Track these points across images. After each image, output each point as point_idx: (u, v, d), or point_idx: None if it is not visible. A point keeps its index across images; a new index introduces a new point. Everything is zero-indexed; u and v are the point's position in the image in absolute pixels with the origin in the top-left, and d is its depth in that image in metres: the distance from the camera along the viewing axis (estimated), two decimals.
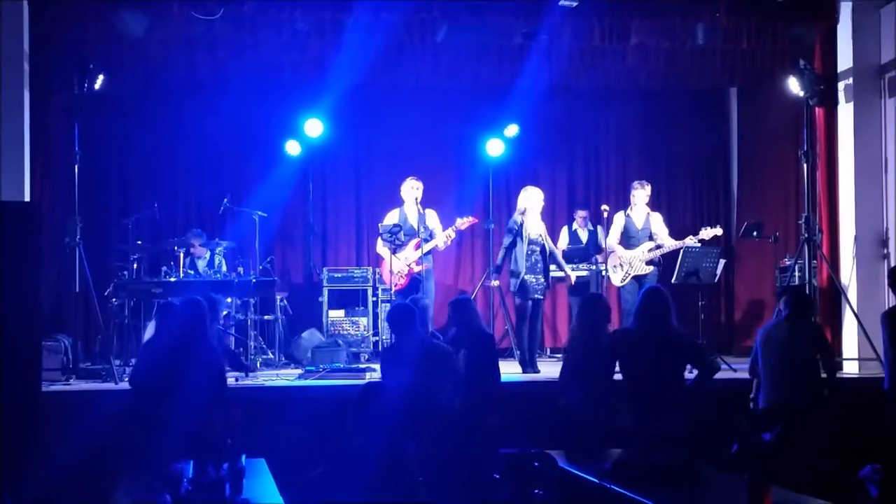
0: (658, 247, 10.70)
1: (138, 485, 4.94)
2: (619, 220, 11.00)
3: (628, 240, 10.87)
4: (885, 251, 10.14)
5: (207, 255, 10.99)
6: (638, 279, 10.60)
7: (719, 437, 7.10)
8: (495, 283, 10.78)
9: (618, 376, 7.25)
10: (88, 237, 9.89)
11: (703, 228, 10.72)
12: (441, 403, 7.17)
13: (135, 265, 10.25)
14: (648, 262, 10.65)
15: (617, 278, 10.82)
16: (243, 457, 4.98)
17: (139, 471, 5.13)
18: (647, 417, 6.70)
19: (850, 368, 9.65)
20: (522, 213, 10.04)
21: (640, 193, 10.95)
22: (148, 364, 6.96)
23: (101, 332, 10.06)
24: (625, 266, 10.71)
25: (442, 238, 10.40)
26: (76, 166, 9.54)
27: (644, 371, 6.88)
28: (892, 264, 9.96)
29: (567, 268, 10.48)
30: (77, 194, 9.56)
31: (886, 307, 9.94)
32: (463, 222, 10.53)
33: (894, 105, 10.11)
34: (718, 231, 10.71)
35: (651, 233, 10.82)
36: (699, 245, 10.52)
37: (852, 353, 9.89)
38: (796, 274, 10.33)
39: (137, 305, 10.30)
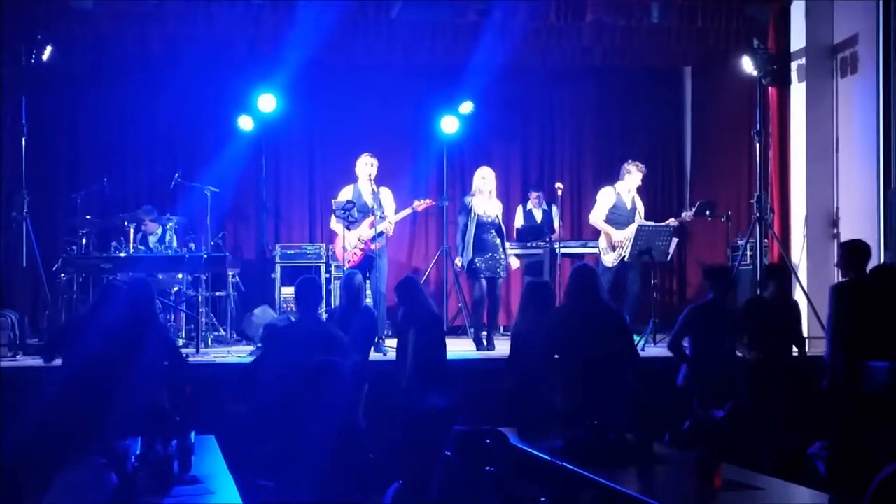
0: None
1: (83, 463, 4.87)
2: (607, 196, 10.58)
3: (616, 218, 10.49)
4: (835, 231, 10.24)
5: (159, 230, 10.85)
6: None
7: (671, 415, 7.16)
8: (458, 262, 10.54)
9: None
10: (36, 212, 9.78)
11: (684, 211, 10.75)
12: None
13: (83, 240, 10.09)
14: None
15: (610, 259, 10.43)
16: (192, 434, 4.92)
17: (84, 449, 5.05)
18: (588, 398, 6.63)
19: None
20: (472, 195, 10.03)
21: (637, 176, 10.59)
22: (89, 342, 6.81)
23: (49, 307, 9.95)
24: (617, 248, 10.43)
25: (392, 223, 10.28)
26: (23, 139, 9.39)
27: (583, 350, 6.71)
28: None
29: (509, 252, 10.32)
30: (24, 168, 9.42)
31: None
32: (420, 204, 10.45)
33: (846, 85, 10.18)
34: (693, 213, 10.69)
35: (637, 212, 10.62)
36: (651, 223, 10.53)
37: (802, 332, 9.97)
38: (748, 253, 10.41)
39: (86, 281, 10.13)
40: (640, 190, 10.79)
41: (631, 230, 10.39)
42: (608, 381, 6.65)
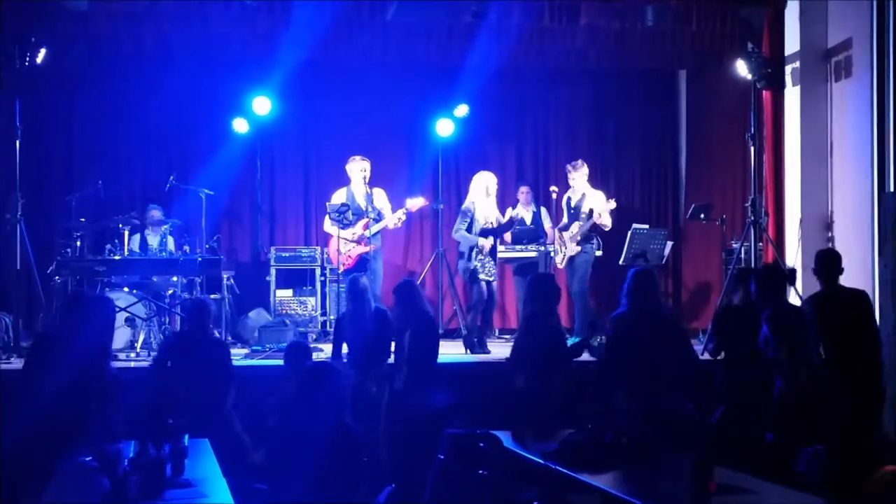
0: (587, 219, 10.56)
1: (74, 467, 4.86)
2: (563, 202, 10.89)
3: (568, 221, 10.72)
4: (829, 234, 10.24)
5: (164, 228, 10.81)
6: (570, 259, 10.55)
7: (667, 419, 7.14)
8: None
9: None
10: (30, 214, 9.76)
11: (607, 200, 10.73)
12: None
13: (78, 243, 10.06)
14: (578, 242, 10.56)
15: (558, 260, 10.65)
16: (186, 437, 4.91)
17: (76, 451, 5.03)
18: (651, 399, 6.71)
19: None
20: (473, 201, 10.05)
21: (573, 175, 10.77)
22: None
23: (44, 310, 9.92)
24: (561, 249, 10.61)
25: (392, 220, 10.32)
26: (17, 142, 9.37)
27: (646, 353, 6.82)
28: (836, 246, 10.06)
29: (502, 255, 10.34)
30: (18, 170, 9.40)
31: None
32: (413, 203, 10.43)
33: (840, 89, 10.19)
34: (612, 204, 10.65)
35: (581, 212, 10.65)
36: (645, 226, 10.55)
37: None
38: (742, 256, 10.41)
39: (80, 283, 10.11)
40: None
41: (571, 231, 10.53)
42: (668, 381, 6.78)
